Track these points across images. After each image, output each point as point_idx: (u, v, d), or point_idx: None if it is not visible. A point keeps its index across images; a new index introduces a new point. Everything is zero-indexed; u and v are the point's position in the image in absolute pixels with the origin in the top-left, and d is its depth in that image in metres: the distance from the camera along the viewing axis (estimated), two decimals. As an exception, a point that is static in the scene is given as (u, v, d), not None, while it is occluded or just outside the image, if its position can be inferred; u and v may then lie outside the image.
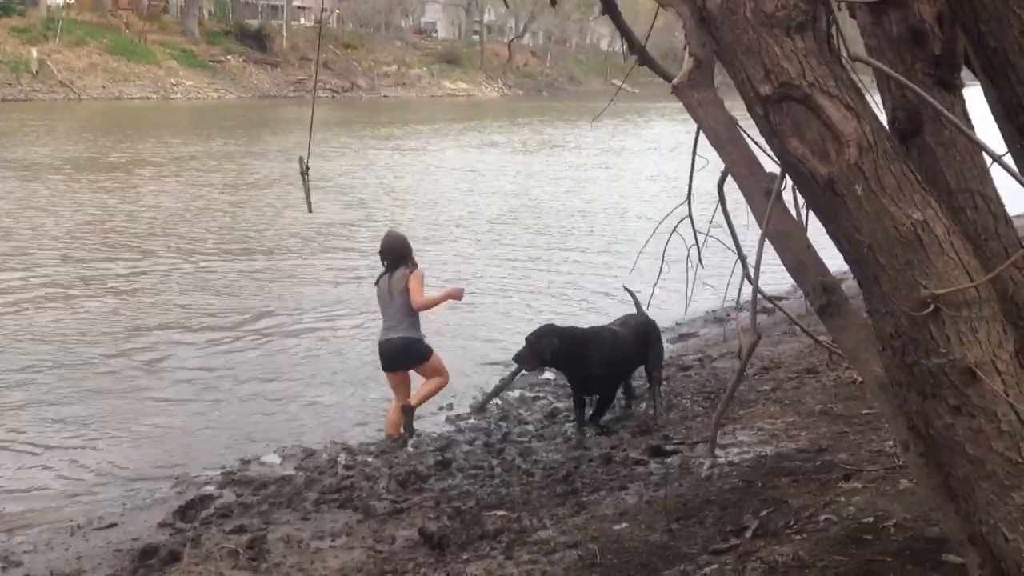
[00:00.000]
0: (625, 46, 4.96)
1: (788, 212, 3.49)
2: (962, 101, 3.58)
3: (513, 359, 7.84)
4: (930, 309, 2.71)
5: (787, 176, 3.46)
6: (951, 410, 2.81)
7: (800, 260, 3.38)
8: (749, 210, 5.27)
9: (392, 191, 22.41)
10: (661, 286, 6.43)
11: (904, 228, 2.70)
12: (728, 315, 11.18)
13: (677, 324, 11.07)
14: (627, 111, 50.61)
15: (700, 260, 5.58)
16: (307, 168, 6.51)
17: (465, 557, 5.05)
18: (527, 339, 7.61)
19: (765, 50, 2.71)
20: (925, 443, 2.97)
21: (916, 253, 2.71)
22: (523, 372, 8.13)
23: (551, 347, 7.43)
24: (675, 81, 3.84)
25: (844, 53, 2.83)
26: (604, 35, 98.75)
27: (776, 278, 6.84)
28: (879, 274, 2.77)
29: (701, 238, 5.35)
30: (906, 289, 2.73)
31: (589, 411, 7.74)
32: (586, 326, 8.37)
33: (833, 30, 2.83)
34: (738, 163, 3.59)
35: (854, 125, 2.70)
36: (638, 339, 7.99)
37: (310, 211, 7.17)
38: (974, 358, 2.74)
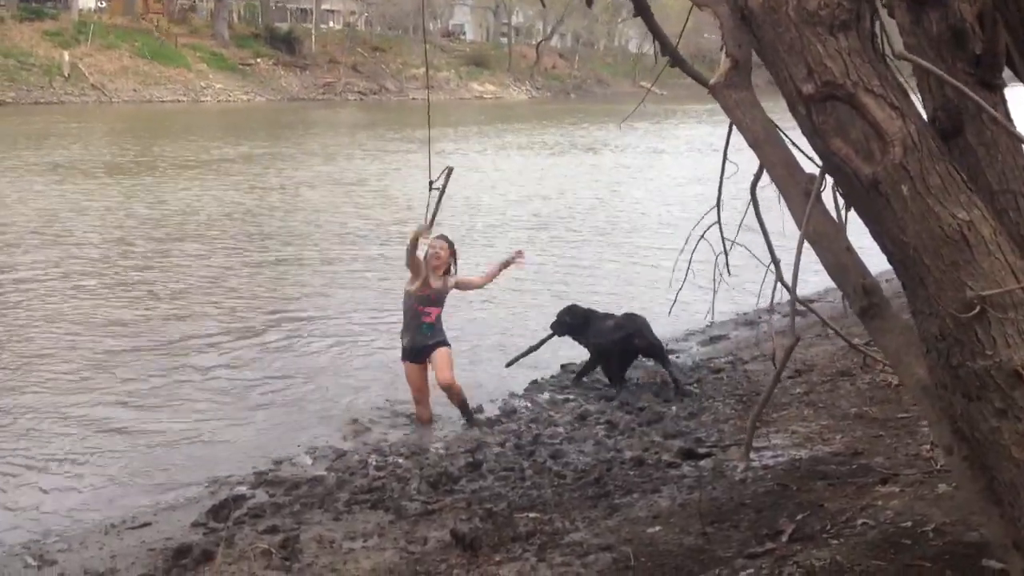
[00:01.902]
0: (656, 47, 4.92)
1: (827, 213, 3.45)
2: (1004, 101, 3.54)
3: (549, 327, 9.64)
4: (976, 311, 2.68)
5: (826, 177, 3.43)
6: (997, 413, 2.77)
7: (840, 262, 3.34)
8: (781, 213, 5.27)
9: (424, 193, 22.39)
10: (693, 286, 6.44)
11: (950, 229, 2.67)
12: (759, 318, 11.13)
13: (708, 327, 11.00)
14: (655, 113, 50.49)
15: (728, 267, 5.56)
16: (434, 182, 7.30)
17: (497, 559, 5.03)
18: (557, 313, 9.66)
19: (808, 48, 2.69)
20: (969, 447, 2.94)
21: (962, 254, 2.68)
22: (553, 337, 9.62)
23: (564, 320, 9.53)
24: (712, 81, 3.82)
25: (888, 51, 2.80)
26: (633, 37, 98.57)
27: (805, 280, 6.82)
28: (924, 275, 2.73)
29: (730, 244, 5.32)
30: (952, 290, 2.70)
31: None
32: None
33: (877, 28, 2.80)
34: (776, 164, 3.55)
35: (899, 124, 2.67)
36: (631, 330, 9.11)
37: (429, 228, 7.61)
38: (1020, 360, 2.70)
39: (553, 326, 9.60)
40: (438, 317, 8.07)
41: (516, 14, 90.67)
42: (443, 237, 8.13)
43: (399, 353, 8.21)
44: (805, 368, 8.66)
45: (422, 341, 8.00)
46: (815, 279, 8.85)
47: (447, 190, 7.48)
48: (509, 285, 12.07)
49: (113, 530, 6.11)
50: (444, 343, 8.08)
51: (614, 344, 9.08)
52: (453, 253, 8.11)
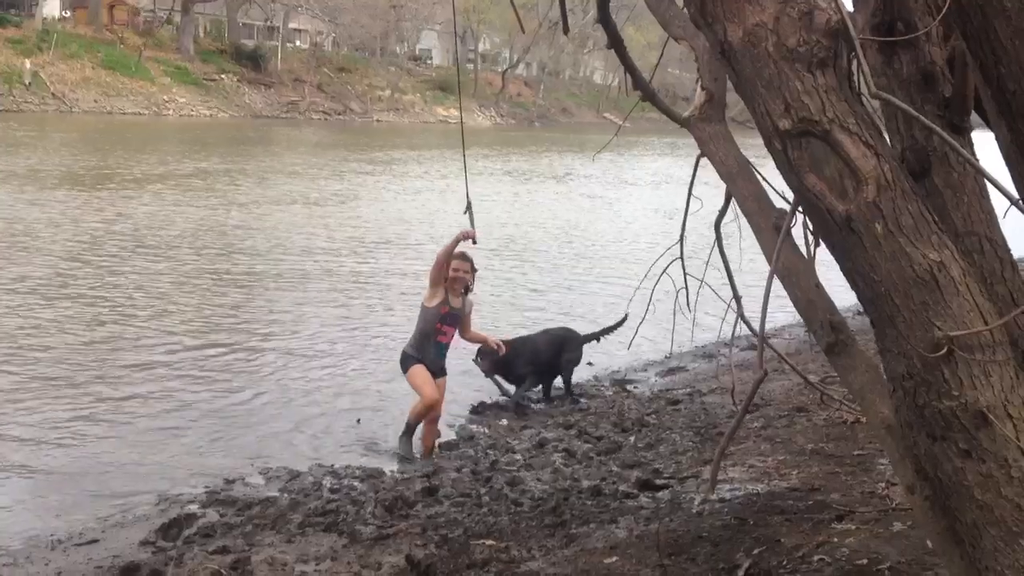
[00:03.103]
0: (628, 81, 4.94)
1: (797, 249, 3.47)
2: (970, 144, 3.59)
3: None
4: (944, 351, 2.69)
5: (796, 212, 3.45)
6: (961, 454, 2.78)
7: (808, 298, 3.36)
8: (740, 250, 5.31)
9: (395, 217, 22.27)
10: (653, 321, 6.45)
11: (921, 269, 2.68)
12: (718, 351, 11.17)
13: (667, 358, 11.05)
14: (618, 144, 50.65)
15: (688, 303, 5.59)
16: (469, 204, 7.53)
17: (453, 586, 4.98)
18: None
19: (786, 84, 2.70)
20: (932, 487, 2.94)
21: (932, 294, 2.69)
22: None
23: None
24: (686, 114, 3.84)
25: (865, 90, 2.82)
26: (598, 68, 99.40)
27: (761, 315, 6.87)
28: (894, 314, 2.74)
29: (698, 283, 5.36)
30: (921, 330, 2.71)
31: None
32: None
33: (854, 67, 2.82)
34: (748, 198, 3.58)
35: (873, 163, 2.68)
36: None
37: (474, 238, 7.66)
38: (986, 402, 2.71)
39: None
40: (451, 339, 7.99)
41: (483, 41, 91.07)
42: (466, 257, 7.97)
43: (362, 375, 8.13)
44: (762, 403, 8.70)
45: (437, 364, 7.91)
46: (774, 315, 8.91)
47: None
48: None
49: (59, 546, 5.98)
50: (444, 371, 8.06)
51: None
52: (473, 271, 8.04)
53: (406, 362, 7.94)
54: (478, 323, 9.12)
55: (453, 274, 7.80)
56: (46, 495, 6.86)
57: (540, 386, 9.78)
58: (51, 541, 6.04)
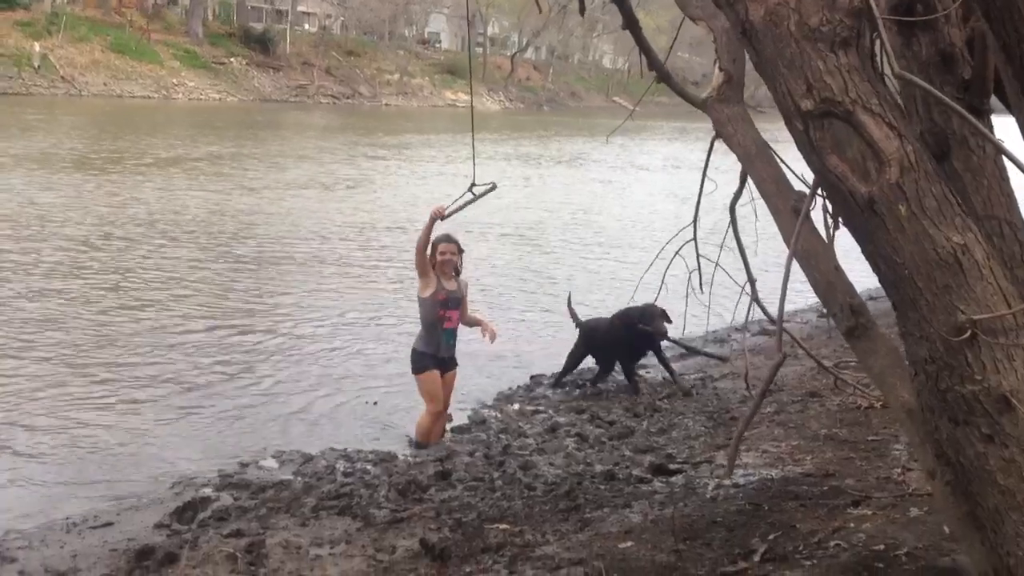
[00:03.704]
0: (642, 63, 4.90)
1: (816, 232, 3.45)
2: (990, 127, 3.55)
3: None
4: (967, 335, 2.67)
5: (816, 195, 3.42)
6: (983, 438, 2.76)
7: (828, 281, 3.33)
8: (755, 234, 5.28)
9: (408, 201, 22.21)
10: (664, 304, 6.42)
11: (944, 251, 2.66)
12: (729, 336, 11.15)
13: (677, 343, 11.01)
14: (628, 128, 50.43)
15: (701, 286, 5.58)
16: (474, 186, 7.16)
17: (468, 570, 4.97)
18: None
19: (808, 64, 2.67)
20: (953, 471, 2.92)
21: (955, 277, 2.67)
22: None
23: None
24: (704, 96, 3.81)
25: (888, 70, 2.79)
26: (607, 52, 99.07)
27: (774, 298, 6.85)
28: (916, 297, 2.72)
29: (711, 264, 5.35)
30: (943, 314, 2.69)
31: None
32: None
33: (877, 47, 2.79)
34: (766, 180, 3.55)
35: (896, 144, 2.65)
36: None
37: (445, 216, 7.36)
38: (1009, 386, 2.70)
39: None
40: (457, 323, 7.78)
41: (492, 24, 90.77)
42: (450, 238, 7.77)
43: (375, 358, 8.04)
44: (775, 388, 8.65)
45: (448, 351, 7.73)
46: (786, 300, 8.88)
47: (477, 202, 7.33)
48: (477, 297, 12.04)
49: (75, 529, 5.99)
50: (456, 363, 7.86)
51: None
52: (460, 252, 7.79)
53: (418, 361, 7.73)
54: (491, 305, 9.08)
55: (440, 257, 7.60)
56: (60, 478, 6.87)
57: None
58: (66, 524, 6.05)
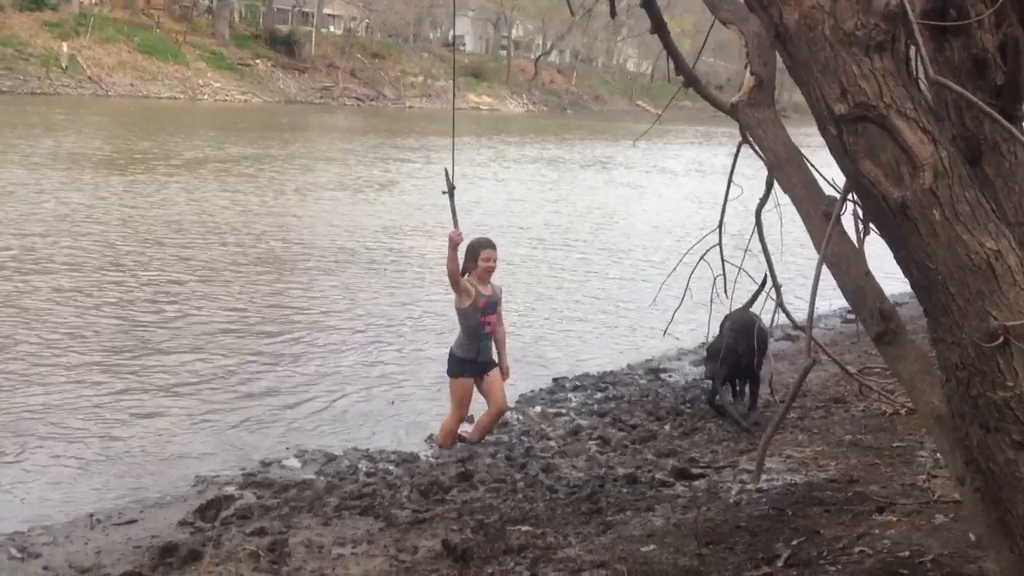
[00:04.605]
0: (670, 67, 4.89)
1: (847, 236, 3.43)
2: (1022, 132, 3.53)
3: None
4: (999, 341, 2.65)
5: (846, 200, 3.41)
6: (1014, 445, 2.74)
7: (858, 285, 3.31)
8: (781, 239, 5.26)
9: (436, 203, 22.25)
10: (689, 307, 6.38)
11: (977, 257, 2.64)
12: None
13: (701, 346, 10.97)
14: (652, 133, 50.35)
15: (726, 290, 5.56)
16: (453, 187, 7.22)
17: (489, 571, 4.98)
18: None
19: (842, 68, 2.66)
20: (983, 478, 2.91)
21: (988, 283, 2.65)
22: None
23: None
24: (734, 100, 3.80)
25: (923, 75, 2.77)
26: (631, 56, 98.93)
27: (799, 305, 6.83)
28: (948, 303, 2.71)
29: (730, 268, 5.34)
30: (976, 319, 2.67)
31: None
32: None
33: (912, 52, 2.78)
34: (797, 185, 3.53)
35: (930, 149, 2.64)
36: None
37: (458, 230, 7.24)
38: (1042, 393, 2.68)
39: None
40: (495, 327, 7.71)
41: (516, 27, 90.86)
42: (493, 245, 7.67)
43: (399, 360, 8.00)
44: (799, 393, 8.63)
45: (486, 355, 7.65)
46: (807, 304, 8.82)
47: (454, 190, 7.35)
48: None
49: (99, 525, 6.03)
50: (495, 363, 7.77)
51: None
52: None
53: (455, 366, 7.64)
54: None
55: (484, 264, 7.59)
56: (86, 476, 6.92)
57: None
58: (91, 521, 6.09)
